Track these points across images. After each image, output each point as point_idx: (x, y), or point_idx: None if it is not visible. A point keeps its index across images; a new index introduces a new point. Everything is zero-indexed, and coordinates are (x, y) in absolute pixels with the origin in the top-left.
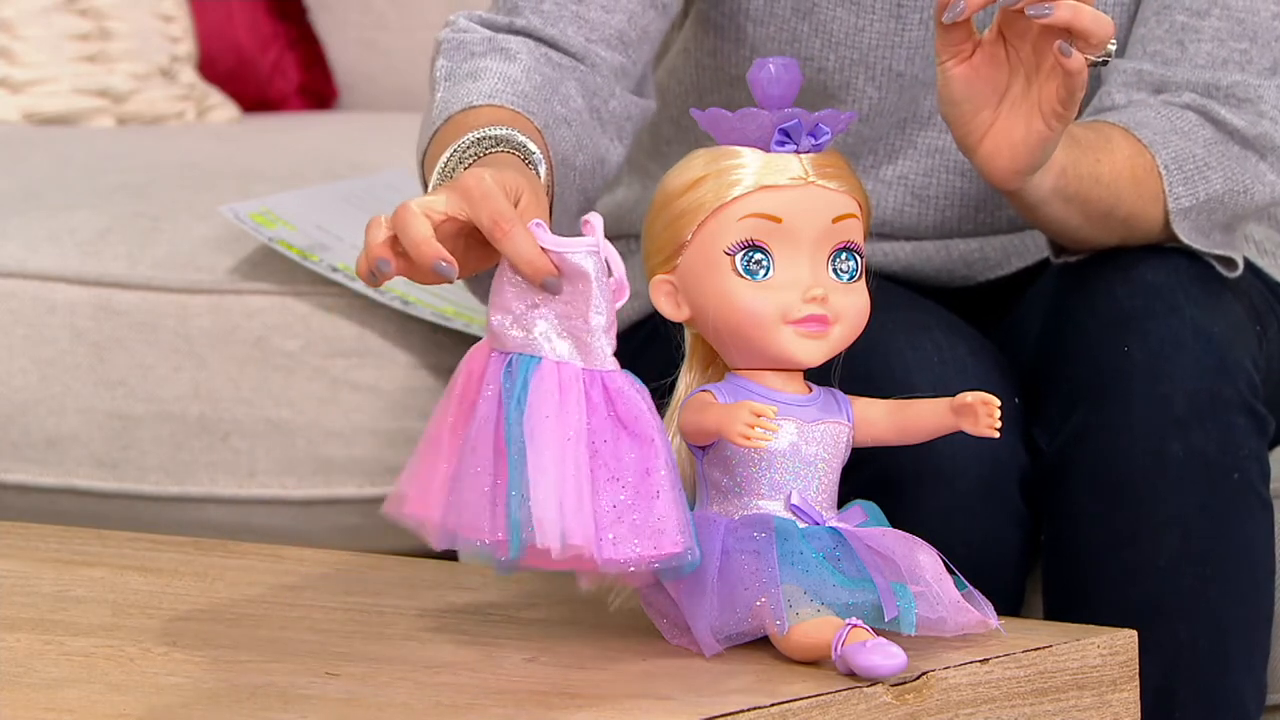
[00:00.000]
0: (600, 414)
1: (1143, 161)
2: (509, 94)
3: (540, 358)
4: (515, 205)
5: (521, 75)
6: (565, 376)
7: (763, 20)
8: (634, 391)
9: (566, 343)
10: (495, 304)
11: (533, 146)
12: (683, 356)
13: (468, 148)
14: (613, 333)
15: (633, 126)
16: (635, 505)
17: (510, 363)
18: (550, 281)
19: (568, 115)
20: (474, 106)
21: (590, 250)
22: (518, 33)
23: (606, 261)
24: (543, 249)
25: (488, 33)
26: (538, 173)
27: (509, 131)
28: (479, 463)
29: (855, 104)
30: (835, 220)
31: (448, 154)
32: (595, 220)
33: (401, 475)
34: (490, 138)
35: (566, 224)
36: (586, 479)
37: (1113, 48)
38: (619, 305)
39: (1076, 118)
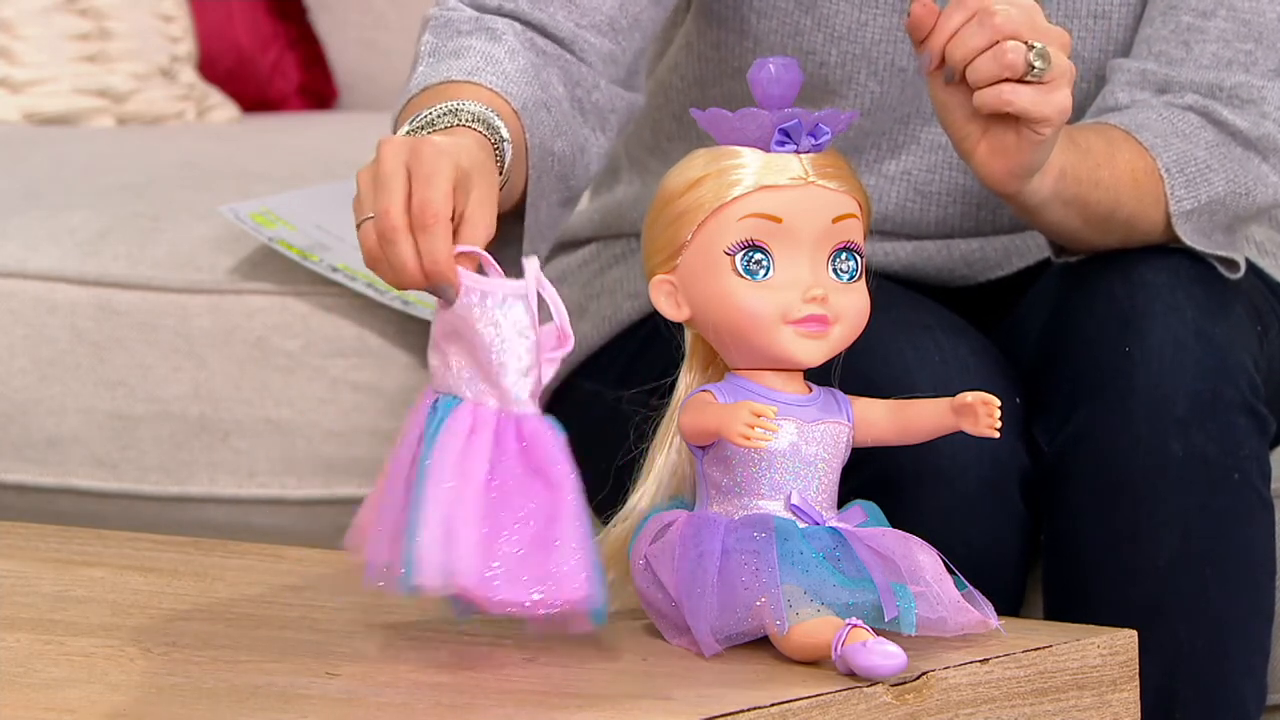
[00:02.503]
0: (511, 457)
1: (1144, 165)
2: (490, 73)
3: (460, 398)
4: (469, 195)
5: (505, 56)
6: (479, 418)
7: (765, 13)
8: (549, 436)
9: (484, 384)
10: (431, 344)
11: (504, 131)
12: (683, 356)
13: (438, 116)
14: (535, 375)
15: (617, 119)
16: (536, 549)
17: (435, 402)
18: (445, 289)
19: (547, 100)
20: (452, 81)
21: (516, 294)
22: (506, 15)
23: (544, 303)
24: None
25: (476, 13)
26: (503, 158)
27: (484, 110)
28: (395, 498)
29: (857, 99)
30: (835, 220)
31: (414, 119)
32: (530, 264)
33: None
34: (465, 111)
35: (547, 213)
36: (476, 519)
37: (1037, 62)
38: (561, 353)
39: (1079, 118)
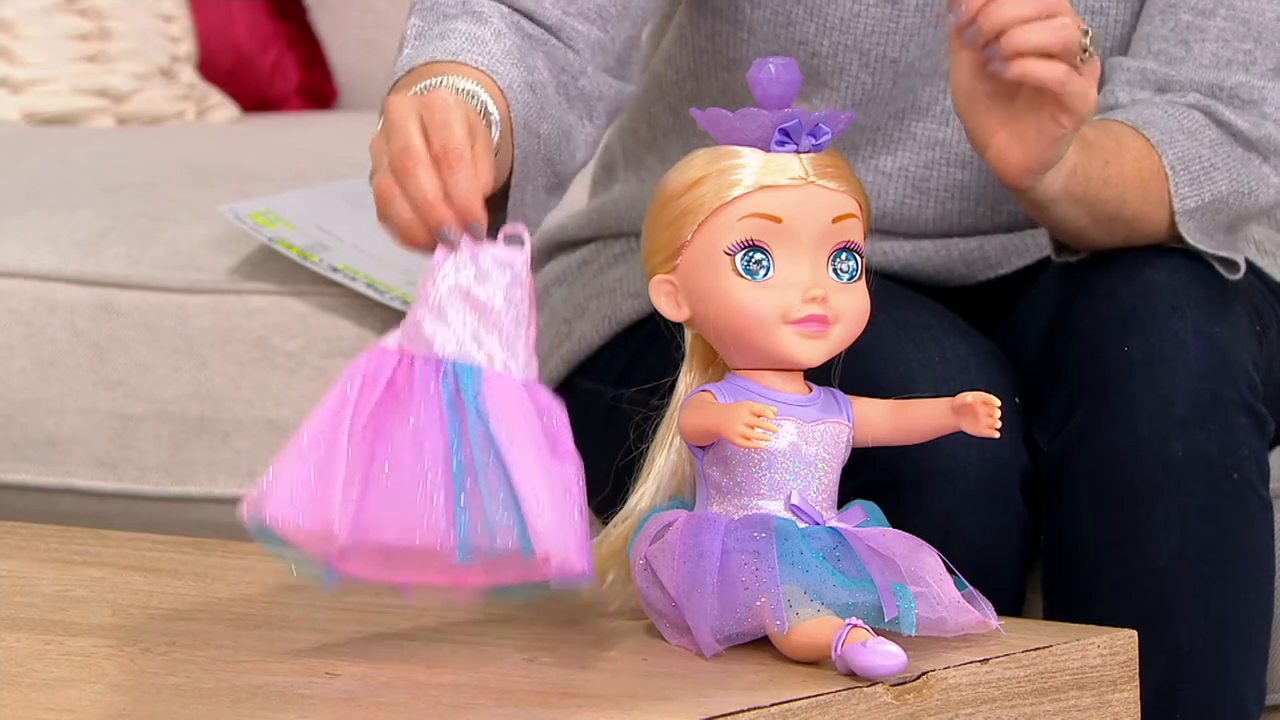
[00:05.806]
0: (539, 428)
1: (1150, 163)
2: (475, 53)
3: (479, 366)
4: (474, 144)
5: (490, 37)
6: (512, 386)
7: (758, 2)
8: (557, 407)
9: (500, 353)
10: (424, 302)
11: (493, 107)
12: (683, 356)
13: (426, 90)
14: (535, 348)
15: (605, 107)
16: (583, 519)
17: (444, 369)
18: (475, 227)
19: (533, 83)
20: (437, 61)
21: (524, 262)
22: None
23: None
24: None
25: None
26: (491, 135)
27: (473, 85)
28: (427, 467)
29: (849, 90)
30: (835, 220)
31: (409, 93)
32: (525, 233)
33: (269, 478)
34: (454, 88)
35: (532, 196)
36: (561, 491)
37: (1089, 47)
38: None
39: None
